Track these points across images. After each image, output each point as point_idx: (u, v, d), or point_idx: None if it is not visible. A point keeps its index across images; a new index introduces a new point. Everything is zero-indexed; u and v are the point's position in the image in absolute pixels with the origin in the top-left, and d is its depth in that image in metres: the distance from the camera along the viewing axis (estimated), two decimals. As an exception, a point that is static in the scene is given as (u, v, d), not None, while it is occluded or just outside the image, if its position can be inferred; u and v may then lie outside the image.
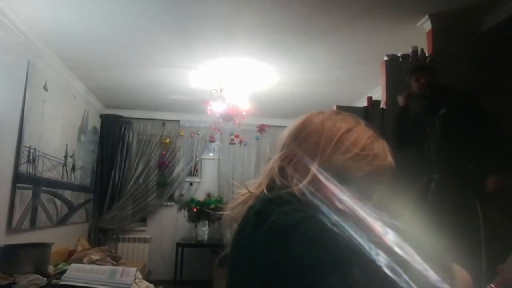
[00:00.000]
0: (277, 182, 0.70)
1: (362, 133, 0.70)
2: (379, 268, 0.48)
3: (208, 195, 5.51)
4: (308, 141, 0.71)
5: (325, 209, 0.66)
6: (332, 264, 0.50)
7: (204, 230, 5.24)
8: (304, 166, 0.69)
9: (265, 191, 0.70)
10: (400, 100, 2.65)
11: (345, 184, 0.66)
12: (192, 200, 5.34)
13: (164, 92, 4.89)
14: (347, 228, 0.60)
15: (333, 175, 0.66)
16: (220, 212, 0.74)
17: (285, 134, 0.76)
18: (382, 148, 0.70)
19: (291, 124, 0.77)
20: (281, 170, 0.71)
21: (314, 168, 0.67)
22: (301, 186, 0.66)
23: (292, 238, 0.53)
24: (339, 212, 0.67)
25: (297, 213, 0.56)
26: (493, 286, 0.72)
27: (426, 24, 2.98)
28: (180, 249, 5.20)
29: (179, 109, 5.69)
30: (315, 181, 0.67)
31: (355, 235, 0.59)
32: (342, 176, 0.66)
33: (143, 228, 5.74)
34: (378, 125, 2.74)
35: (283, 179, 0.70)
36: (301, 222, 0.54)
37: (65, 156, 4.27)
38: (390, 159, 0.71)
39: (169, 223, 5.73)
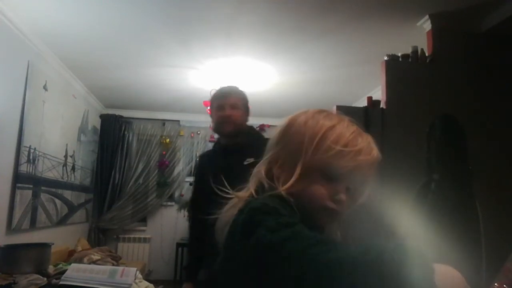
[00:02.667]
0: (265, 185, 0.71)
1: (345, 130, 0.69)
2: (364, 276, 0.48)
3: (208, 195, 5.51)
4: (292, 142, 0.72)
5: (310, 209, 0.69)
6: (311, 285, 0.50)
7: (204, 230, 5.24)
8: (289, 167, 0.70)
9: (254, 194, 0.71)
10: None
11: (330, 181, 0.68)
12: (192, 200, 5.34)
13: (164, 92, 4.89)
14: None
15: (318, 174, 0.68)
16: (213, 216, 0.75)
17: (272, 137, 0.77)
18: (365, 143, 0.70)
19: (277, 126, 0.77)
20: (268, 172, 0.73)
21: (298, 169, 0.68)
22: (287, 186, 0.68)
23: (278, 259, 0.53)
24: (324, 210, 0.69)
25: (282, 230, 0.56)
26: (497, 285, 0.72)
27: (426, 24, 2.98)
28: (180, 249, 5.20)
29: (179, 109, 5.69)
30: (300, 181, 0.68)
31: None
32: (327, 174, 0.68)
33: (143, 228, 5.74)
34: (378, 125, 2.75)
35: (270, 182, 0.71)
36: (286, 242, 0.54)
37: (65, 156, 4.27)
38: (375, 153, 0.70)
39: (169, 223, 5.73)
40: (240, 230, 0.61)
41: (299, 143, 0.69)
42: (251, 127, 2.00)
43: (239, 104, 1.89)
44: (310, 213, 0.69)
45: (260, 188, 0.72)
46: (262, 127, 6.00)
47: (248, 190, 0.73)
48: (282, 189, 0.68)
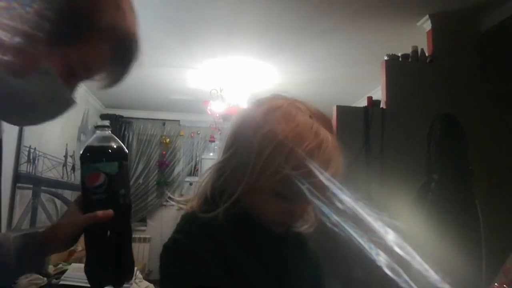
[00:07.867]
0: (202, 201, 0.67)
1: (299, 142, 0.59)
2: None
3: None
4: (241, 150, 0.64)
5: (261, 221, 0.65)
6: None
7: (204, 230, 5.25)
8: (234, 182, 0.63)
9: (196, 206, 0.67)
10: None
11: (280, 198, 0.62)
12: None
13: (164, 92, 4.89)
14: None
15: (266, 192, 0.62)
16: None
17: (229, 132, 0.69)
18: (321, 160, 0.59)
19: (234, 120, 0.69)
20: (218, 179, 0.66)
21: (243, 184, 0.62)
22: (228, 205, 0.63)
23: None
24: (277, 223, 0.65)
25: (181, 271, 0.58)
26: (497, 285, 0.72)
27: (426, 24, 2.98)
28: (180, 249, 5.20)
29: (179, 109, 5.69)
30: (247, 196, 0.63)
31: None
32: (276, 193, 0.61)
33: (143, 228, 5.74)
34: (378, 125, 2.75)
35: (210, 198, 0.66)
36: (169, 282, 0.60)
37: (65, 156, 4.27)
38: (329, 172, 0.59)
39: (169, 223, 5.73)
40: (160, 277, 0.62)
41: (247, 155, 0.61)
42: None
43: None
44: (261, 224, 0.65)
45: (204, 201, 0.67)
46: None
47: (193, 199, 0.69)
48: (223, 208, 0.62)
